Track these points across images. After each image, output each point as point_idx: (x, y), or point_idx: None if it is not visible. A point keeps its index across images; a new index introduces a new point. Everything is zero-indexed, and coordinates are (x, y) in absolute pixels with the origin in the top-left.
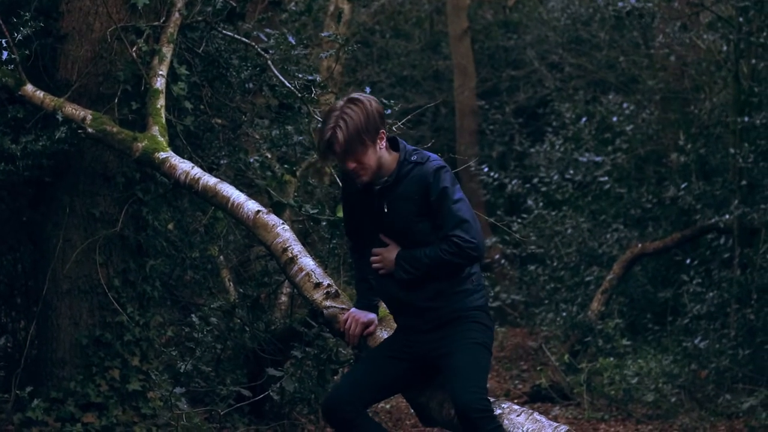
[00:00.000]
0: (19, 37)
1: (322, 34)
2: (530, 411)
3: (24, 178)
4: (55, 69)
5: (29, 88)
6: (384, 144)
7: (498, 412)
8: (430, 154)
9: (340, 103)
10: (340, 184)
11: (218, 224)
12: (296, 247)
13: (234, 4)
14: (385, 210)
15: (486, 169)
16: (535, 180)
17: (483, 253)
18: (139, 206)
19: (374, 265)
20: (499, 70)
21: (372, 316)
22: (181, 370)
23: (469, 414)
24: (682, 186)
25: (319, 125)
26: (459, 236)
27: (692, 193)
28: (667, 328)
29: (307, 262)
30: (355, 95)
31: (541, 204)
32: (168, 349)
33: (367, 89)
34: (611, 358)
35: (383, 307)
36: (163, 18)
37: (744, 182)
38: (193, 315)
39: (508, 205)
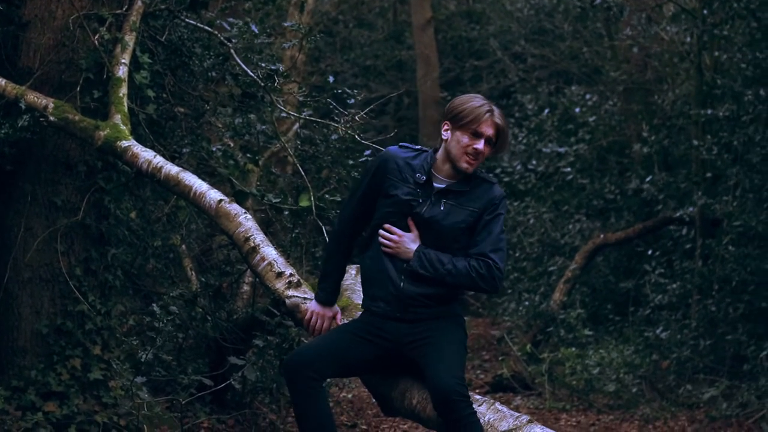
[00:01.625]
0: None
1: (285, 24)
2: (492, 401)
3: None
4: (17, 57)
5: None
6: None
7: None
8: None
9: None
10: (377, 165)
11: (180, 213)
12: (258, 237)
13: None
14: (441, 208)
15: None
16: (498, 170)
17: (499, 288)
18: (101, 195)
19: (384, 241)
20: (462, 60)
21: (336, 308)
22: (143, 359)
23: (451, 396)
24: (647, 180)
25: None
26: (494, 261)
27: (655, 185)
28: (629, 318)
29: (270, 251)
30: None
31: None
32: (129, 338)
33: (331, 78)
34: (573, 348)
35: (345, 297)
36: (126, 6)
37: (708, 174)
38: (154, 304)
39: None
